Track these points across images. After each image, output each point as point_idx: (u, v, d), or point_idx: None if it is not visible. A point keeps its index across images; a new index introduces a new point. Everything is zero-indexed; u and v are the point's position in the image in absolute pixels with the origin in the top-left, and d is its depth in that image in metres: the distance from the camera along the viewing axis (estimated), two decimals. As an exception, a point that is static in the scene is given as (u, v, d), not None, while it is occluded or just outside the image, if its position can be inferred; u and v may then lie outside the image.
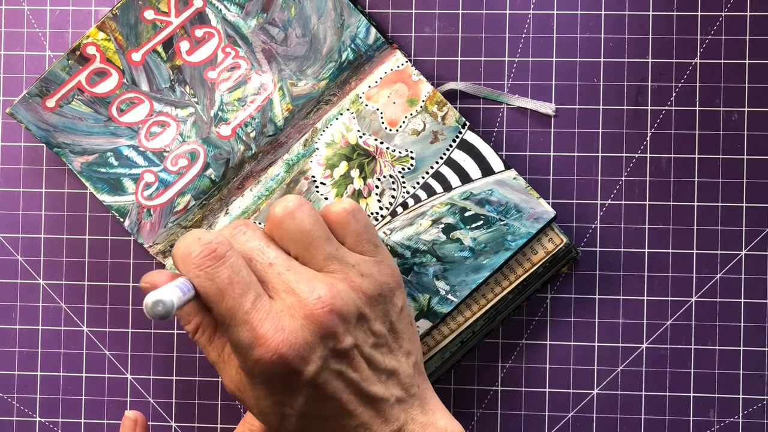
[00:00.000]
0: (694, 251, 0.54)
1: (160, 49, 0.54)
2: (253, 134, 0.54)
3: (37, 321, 0.56)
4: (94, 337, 0.56)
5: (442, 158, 0.52)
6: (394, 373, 0.45)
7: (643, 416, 0.54)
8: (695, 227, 0.54)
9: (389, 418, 0.44)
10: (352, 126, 0.53)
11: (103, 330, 0.56)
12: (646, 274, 0.54)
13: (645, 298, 0.54)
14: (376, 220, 0.52)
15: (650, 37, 0.54)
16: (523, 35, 0.55)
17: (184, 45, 0.54)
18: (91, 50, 0.54)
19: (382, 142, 0.52)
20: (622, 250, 0.54)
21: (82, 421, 0.56)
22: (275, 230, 0.45)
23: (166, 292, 0.40)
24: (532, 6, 0.55)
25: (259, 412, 0.44)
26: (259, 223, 0.53)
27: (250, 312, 0.41)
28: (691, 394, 0.54)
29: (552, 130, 0.55)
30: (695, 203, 0.54)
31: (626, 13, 0.54)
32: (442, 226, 0.51)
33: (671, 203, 0.54)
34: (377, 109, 0.53)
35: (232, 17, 0.54)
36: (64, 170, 0.56)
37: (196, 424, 0.56)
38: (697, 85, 0.54)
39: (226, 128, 0.54)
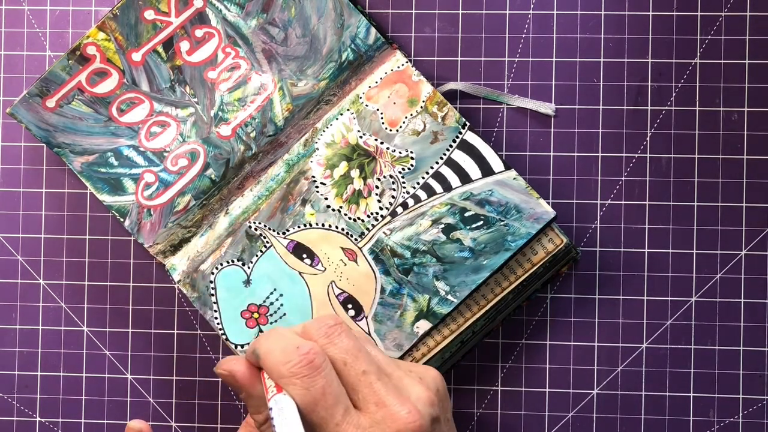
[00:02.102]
0: (694, 251, 0.54)
1: (160, 49, 0.54)
2: (253, 134, 0.54)
3: (37, 321, 0.56)
4: (94, 337, 0.56)
5: (442, 158, 0.52)
6: None
7: (643, 416, 0.54)
8: (695, 227, 0.54)
9: None
10: (352, 126, 0.53)
11: (103, 330, 0.56)
12: (646, 274, 0.54)
13: (645, 298, 0.54)
14: (376, 220, 0.52)
15: (650, 37, 0.54)
16: (523, 35, 0.55)
17: (185, 45, 0.54)
18: (91, 50, 0.54)
19: (382, 143, 0.52)
20: (622, 250, 0.54)
21: (82, 421, 0.56)
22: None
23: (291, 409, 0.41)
24: (532, 6, 0.55)
25: None
26: (260, 223, 0.53)
27: (341, 425, 0.42)
28: (691, 394, 0.54)
29: (552, 130, 0.55)
30: (695, 203, 0.54)
31: (626, 13, 0.54)
32: (442, 226, 0.51)
33: (671, 203, 0.54)
34: (377, 110, 0.53)
35: (233, 17, 0.54)
36: (64, 170, 0.56)
37: (196, 424, 0.56)
38: (697, 85, 0.54)
39: (226, 128, 0.54)
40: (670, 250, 0.54)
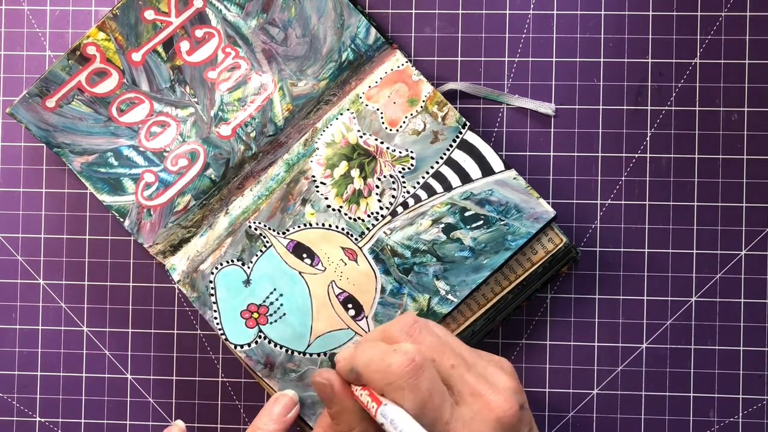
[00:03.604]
0: (694, 251, 0.54)
1: (160, 49, 0.54)
2: (253, 134, 0.54)
3: (37, 321, 0.56)
4: (94, 337, 0.56)
5: (442, 158, 0.52)
6: None
7: (643, 416, 0.54)
8: (695, 227, 0.54)
9: None
10: (352, 126, 0.53)
11: (103, 330, 0.56)
12: (646, 274, 0.54)
13: (645, 298, 0.54)
14: (377, 219, 0.52)
15: (650, 37, 0.54)
16: (523, 35, 0.55)
17: (185, 45, 0.54)
18: (91, 50, 0.54)
19: (382, 142, 0.52)
20: (622, 250, 0.54)
21: (82, 421, 0.56)
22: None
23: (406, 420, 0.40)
24: (532, 6, 0.55)
25: None
26: (260, 223, 0.53)
27: (450, 423, 0.41)
28: (691, 394, 0.54)
29: (552, 130, 0.55)
30: (695, 203, 0.54)
31: (626, 13, 0.54)
32: (443, 225, 0.51)
33: (671, 203, 0.54)
34: (377, 109, 0.53)
35: (233, 17, 0.54)
36: (64, 170, 0.56)
37: (196, 424, 0.56)
38: (697, 85, 0.54)
39: (226, 128, 0.54)
40: (670, 250, 0.54)
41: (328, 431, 0.47)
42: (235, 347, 0.52)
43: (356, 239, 0.52)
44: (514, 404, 0.43)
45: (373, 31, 0.53)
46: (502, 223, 0.51)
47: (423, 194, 0.52)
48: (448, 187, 0.52)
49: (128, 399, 0.56)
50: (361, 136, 0.53)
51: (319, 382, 0.45)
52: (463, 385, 0.43)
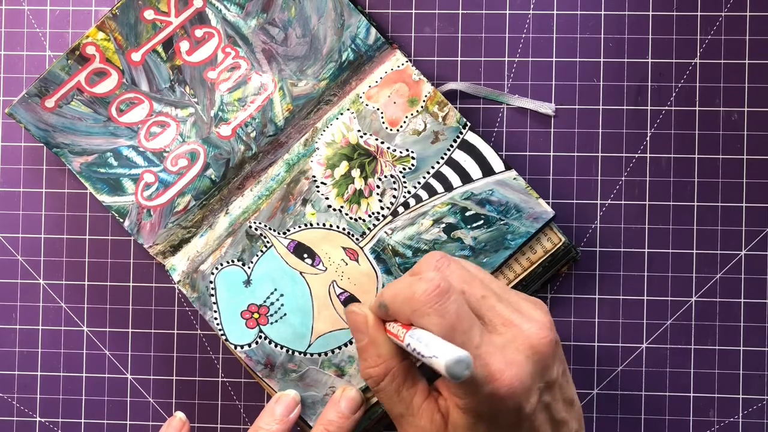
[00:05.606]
0: (694, 251, 0.54)
1: (160, 49, 0.54)
2: (253, 134, 0.54)
3: (37, 321, 0.56)
4: (94, 337, 0.56)
5: (443, 158, 0.52)
6: (572, 403, 0.45)
7: (643, 416, 0.54)
8: (695, 227, 0.54)
9: None
10: (352, 126, 0.53)
11: (103, 330, 0.56)
12: (646, 274, 0.54)
13: (645, 298, 0.54)
14: (378, 219, 0.52)
15: (650, 37, 0.54)
16: (523, 35, 0.55)
17: (184, 45, 0.54)
18: (90, 50, 0.54)
19: (382, 142, 0.52)
20: (622, 250, 0.54)
21: (82, 421, 0.56)
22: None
23: (448, 348, 0.38)
24: (532, 6, 0.55)
25: None
26: (260, 223, 0.53)
27: (481, 346, 0.41)
28: (691, 394, 0.54)
29: (552, 130, 0.55)
30: (695, 203, 0.54)
31: (626, 13, 0.54)
32: (443, 225, 0.51)
33: (671, 203, 0.54)
34: (378, 109, 0.53)
35: (232, 17, 0.54)
36: (64, 170, 0.56)
37: (196, 424, 0.56)
38: (697, 85, 0.54)
39: (226, 128, 0.54)
40: (670, 250, 0.54)
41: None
42: (236, 347, 0.52)
43: (357, 239, 0.52)
44: (549, 334, 0.42)
45: (373, 31, 0.53)
46: (502, 222, 0.51)
47: (424, 194, 0.52)
48: (448, 187, 0.52)
49: (128, 399, 0.56)
50: (361, 136, 0.53)
51: (354, 311, 0.45)
52: (494, 315, 0.43)
